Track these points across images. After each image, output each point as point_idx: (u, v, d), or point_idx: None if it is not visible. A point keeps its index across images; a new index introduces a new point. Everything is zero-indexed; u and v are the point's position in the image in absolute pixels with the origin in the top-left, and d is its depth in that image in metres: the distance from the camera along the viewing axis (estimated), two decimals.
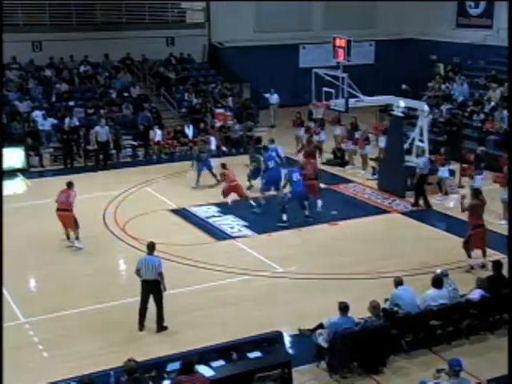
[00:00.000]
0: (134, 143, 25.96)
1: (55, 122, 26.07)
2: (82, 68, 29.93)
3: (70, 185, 16.98)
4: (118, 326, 12.78)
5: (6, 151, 24.25)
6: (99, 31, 30.00)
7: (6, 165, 23.35)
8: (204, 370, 9.89)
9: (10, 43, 28.64)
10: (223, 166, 20.30)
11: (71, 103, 27.50)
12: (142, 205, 19.79)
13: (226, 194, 19.67)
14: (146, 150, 25.62)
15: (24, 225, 18.23)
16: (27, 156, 24.35)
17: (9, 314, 12.97)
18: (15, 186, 22.51)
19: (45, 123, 25.95)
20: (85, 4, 30.52)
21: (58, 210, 16.73)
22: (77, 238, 16.69)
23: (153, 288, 12.48)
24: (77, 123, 25.88)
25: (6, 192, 22.45)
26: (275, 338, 11.24)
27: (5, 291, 13.86)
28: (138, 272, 12.55)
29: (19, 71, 28.95)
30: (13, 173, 23.29)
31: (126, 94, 28.91)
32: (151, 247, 12.72)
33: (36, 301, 13.95)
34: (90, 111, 27.33)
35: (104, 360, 11.05)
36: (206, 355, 10.51)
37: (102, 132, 24.25)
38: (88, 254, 16.36)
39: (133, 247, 16.68)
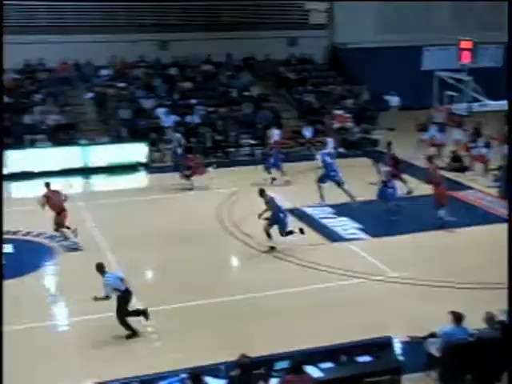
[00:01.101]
0: (252, 142, 26.31)
1: (177, 118, 26.84)
2: (204, 67, 30.63)
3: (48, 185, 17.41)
4: (228, 322, 12.97)
5: (131, 146, 25.30)
6: (223, 31, 30.58)
7: (130, 159, 24.29)
8: (312, 371, 9.88)
9: (138, 42, 29.86)
10: None
11: (193, 101, 28.20)
12: (257, 203, 19.98)
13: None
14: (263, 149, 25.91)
15: (144, 218, 18.88)
16: (150, 151, 25.23)
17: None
18: (138, 180, 23.32)
19: (167, 120, 26.75)
20: (211, 5, 31.20)
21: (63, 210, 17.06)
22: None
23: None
24: (197, 121, 26.53)
25: (129, 185, 23.55)
26: (385, 343, 11.07)
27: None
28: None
29: (146, 69, 29.99)
30: (135, 167, 24.21)
31: (246, 94, 29.32)
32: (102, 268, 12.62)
33: (154, 292, 14.36)
34: (211, 109, 27.92)
35: (213, 354, 11.25)
36: (315, 356, 10.49)
37: None
38: (203, 250, 16.71)
39: (246, 244, 16.90)
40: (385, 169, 19.84)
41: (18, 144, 24.82)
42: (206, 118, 27.29)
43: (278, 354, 10.62)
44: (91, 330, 12.56)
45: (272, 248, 16.46)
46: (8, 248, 16.60)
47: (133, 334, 12.32)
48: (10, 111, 26.28)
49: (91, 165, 24.67)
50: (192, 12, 30.98)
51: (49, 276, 15.54)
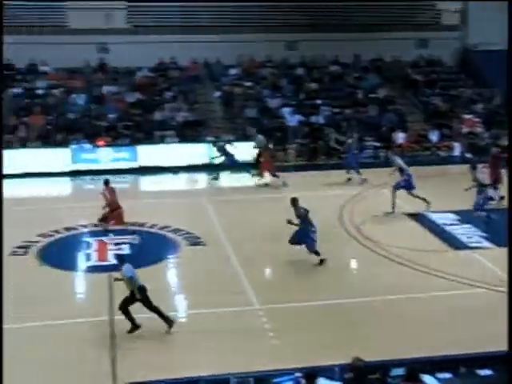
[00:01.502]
0: (377, 144, 26.02)
1: (302, 118, 26.96)
2: (332, 68, 30.58)
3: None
4: (345, 324, 12.89)
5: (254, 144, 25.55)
6: (351, 32, 30.41)
7: (254, 157, 24.57)
8: (429, 381, 9.66)
9: (264, 43, 30.18)
10: None
11: (318, 101, 28.23)
12: (379, 206, 19.77)
13: None
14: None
15: (264, 215, 19.10)
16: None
17: (245, 299, 13.72)
18: (255, 179, 23.56)
19: (292, 119, 26.93)
20: (340, 6, 31.12)
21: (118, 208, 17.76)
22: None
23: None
24: (322, 121, 26.54)
25: (252, 183, 23.90)
26: (508, 358, 10.64)
27: (243, 277, 14.70)
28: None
29: (273, 69, 30.31)
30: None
31: (372, 95, 29.03)
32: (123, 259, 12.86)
33: (271, 289, 14.51)
34: (336, 110, 27.85)
35: (328, 354, 11.23)
36: (433, 365, 10.26)
37: None
38: (322, 250, 16.67)
39: (366, 248, 16.75)
40: (483, 174, 18.98)
41: (149, 139, 25.76)
42: (331, 119, 27.26)
43: (395, 360, 10.47)
44: (209, 323, 12.82)
45: (322, 260, 15.58)
46: (133, 239, 17.31)
47: (135, 327, 12.30)
48: (142, 108, 27.39)
49: (216, 162, 25.23)
50: (321, 13, 31.00)
51: (171, 268, 16.02)
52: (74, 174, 24.19)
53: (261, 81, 29.55)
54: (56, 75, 28.98)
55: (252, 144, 24.21)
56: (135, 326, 12.29)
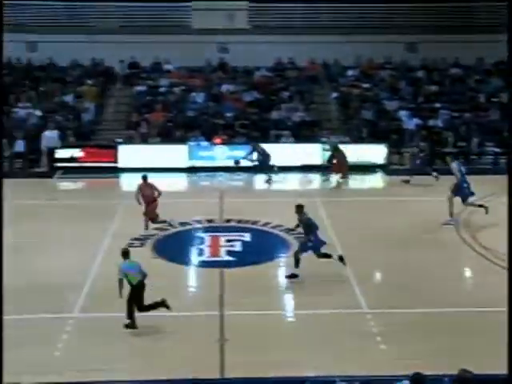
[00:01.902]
0: (497, 150, 25.14)
1: (420, 121, 26.45)
2: (452, 70, 29.82)
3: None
4: (454, 332, 12.55)
5: (370, 147, 25.39)
6: (475, 34, 29.52)
7: (368, 159, 24.42)
8: None
9: (384, 44, 29.77)
10: None
11: (438, 105, 27.60)
12: (497, 215, 19.09)
13: None
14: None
15: (375, 218, 18.91)
16: (390, 153, 25.16)
17: (353, 302, 13.65)
18: (374, 181, 23.40)
19: (410, 123, 26.47)
20: (464, 6, 30.32)
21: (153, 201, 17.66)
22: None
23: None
24: (440, 125, 25.92)
25: (365, 185, 23.72)
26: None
27: (353, 280, 14.62)
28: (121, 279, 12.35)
29: (391, 71, 29.90)
30: (372, 168, 24.31)
31: (495, 99, 28.07)
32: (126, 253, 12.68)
33: (381, 293, 14.34)
34: (455, 114, 27.14)
35: (435, 363, 11.00)
36: None
37: None
38: (434, 256, 16.34)
39: (481, 256, 16.25)
40: None
41: (264, 138, 26.04)
42: (450, 123, 26.59)
43: (501, 375, 10.09)
44: (317, 324, 12.85)
45: (294, 276, 14.82)
46: (245, 236, 17.58)
47: (132, 324, 12.32)
48: (259, 107, 27.73)
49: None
50: (442, 14, 30.27)
51: (282, 267, 16.14)
52: (190, 170, 24.84)
53: (379, 82, 29.23)
54: (178, 74, 29.83)
55: (325, 146, 24.28)
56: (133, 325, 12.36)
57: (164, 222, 17.95)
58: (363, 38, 29.45)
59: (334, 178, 23.62)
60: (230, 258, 16.26)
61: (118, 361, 11.40)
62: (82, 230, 17.84)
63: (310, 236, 14.80)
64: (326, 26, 30.50)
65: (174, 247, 17.21)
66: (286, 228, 17.99)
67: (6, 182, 21.39)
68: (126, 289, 12.34)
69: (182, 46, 29.10)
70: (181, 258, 16.27)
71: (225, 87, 28.93)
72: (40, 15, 30.63)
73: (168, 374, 10.80)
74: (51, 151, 24.71)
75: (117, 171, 24.49)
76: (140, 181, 18.18)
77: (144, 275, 12.43)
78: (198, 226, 18.64)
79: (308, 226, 14.83)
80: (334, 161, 23.71)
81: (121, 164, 24.81)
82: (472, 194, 18.60)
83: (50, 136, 24.84)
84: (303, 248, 14.87)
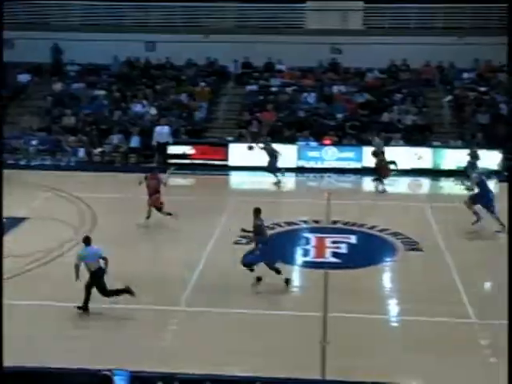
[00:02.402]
0: None
1: None
2: None
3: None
4: None
5: (484, 152, 24.53)
6: None
7: (481, 164, 23.61)
8: None
9: (504, 45, 28.68)
10: None
11: None
12: None
13: None
14: None
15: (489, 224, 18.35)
16: (505, 159, 24.30)
17: (461, 311, 13.30)
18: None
19: None
20: None
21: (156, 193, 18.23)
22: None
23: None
24: None
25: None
26: None
27: (460, 288, 14.24)
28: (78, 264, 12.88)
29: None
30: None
31: None
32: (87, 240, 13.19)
33: (489, 303, 13.85)
34: None
35: None
36: None
37: None
38: None
39: None
40: None
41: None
42: None
43: None
44: (422, 331, 12.60)
45: (259, 279, 14.38)
46: (351, 239, 17.47)
47: (85, 308, 12.93)
48: (370, 109, 27.47)
49: (442, 167, 24.63)
50: None
51: (387, 271, 15.94)
52: (298, 170, 24.91)
53: (496, 86, 28.29)
54: (290, 74, 29.99)
55: (372, 149, 23.50)
56: (85, 308, 12.95)
57: (170, 214, 18.33)
58: (481, 40, 28.57)
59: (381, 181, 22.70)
60: (335, 260, 16.20)
61: (223, 356, 11.59)
62: (191, 226, 18.25)
63: (258, 244, 14.30)
64: (442, 27, 29.81)
65: (279, 246, 17.29)
66: (392, 232, 17.77)
67: (121, 176, 22.42)
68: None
69: (295, 46, 29.23)
70: (286, 257, 16.35)
71: (336, 88, 28.84)
72: (159, 16, 31.57)
73: (271, 371, 10.87)
74: (162, 146, 25.43)
75: (227, 169, 24.90)
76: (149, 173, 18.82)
77: (105, 261, 12.93)
78: (304, 226, 18.67)
79: (258, 233, 14.34)
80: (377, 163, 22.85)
81: (231, 162, 25.21)
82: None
83: (160, 131, 25.61)
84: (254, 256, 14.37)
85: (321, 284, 14.63)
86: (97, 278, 12.90)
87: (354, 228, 18.34)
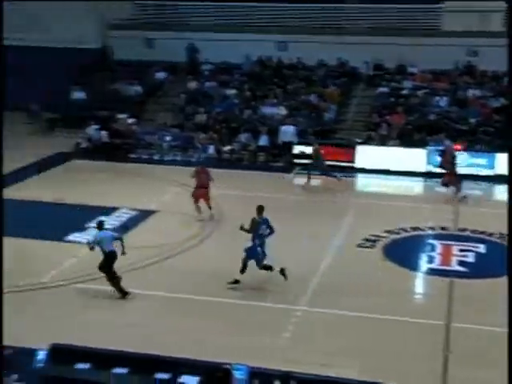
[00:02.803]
0: None
1: None
2: None
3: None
4: None
5: None
6: None
7: None
8: None
9: None
10: None
11: None
12: None
13: None
14: None
15: None
16: None
17: None
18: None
19: None
20: None
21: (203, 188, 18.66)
22: None
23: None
24: None
25: None
26: None
27: None
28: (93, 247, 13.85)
29: None
30: None
31: None
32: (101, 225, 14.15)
33: None
34: None
35: None
36: None
37: None
38: None
39: None
40: None
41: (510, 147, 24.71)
42: None
43: None
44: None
45: (236, 281, 14.20)
46: (480, 248, 16.91)
47: (124, 292, 13.74)
48: (506, 114, 26.42)
49: None
50: None
51: None
52: (427, 175, 24.34)
53: None
54: (422, 77, 29.38)
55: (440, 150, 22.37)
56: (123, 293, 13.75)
57: (210, 207, 18.70)
58: None
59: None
60: (462, 269, 15.73)
61: (340, 358, 11.57)
62: (314, 226, 18.30)
63: (255, 239, 14.34)
64: None
65: (404, 252, 17.02)
66: None
67: (249, 174, 22.77)
68: None
69: (429, 48, 28.63)
70: (410, 263, 16.06)
71: (471, 92, 27.96)
72: (292, 17, 31.86)
73: (386, 376, 10.72)
74: (288, 146, 25.63)
75: (353, 171, 24.74)
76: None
77: (121, 242, 13.99)
78: (431, 232, 18.25)
79: (254, 230, 14.39)
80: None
81: (358, 164, 25.02)
82: None
83: (285, 130, 25.83)
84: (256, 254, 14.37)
85: (445, 293, 14.26)
86: (110, 259, 13.74)
87: (483, 236, 17.74)
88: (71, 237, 17.30)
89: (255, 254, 14.29)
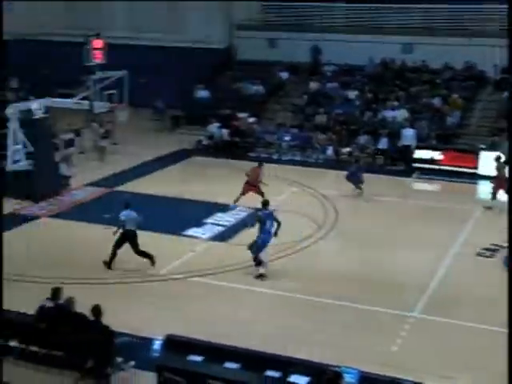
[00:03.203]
0: None
1: None
2: None
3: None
4: None
5: None
6: None
7: None
8: None
9: None
10: None
11: None
12: None
13: None
14: None
15: None
16: None
17: None
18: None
19: None
20: None
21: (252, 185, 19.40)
22: None
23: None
24: None
25: None
26: None
27: None
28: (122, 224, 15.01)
29: None
30: None
31: None
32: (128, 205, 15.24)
33: None
34: None
35: None
36: None
37: None
38: None
39: None
40: None
41: None
42: None
43: None
44: None
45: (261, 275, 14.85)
46: None
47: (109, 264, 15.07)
48: None
49: None
50: None
51: None
52: None
53: None
54: None
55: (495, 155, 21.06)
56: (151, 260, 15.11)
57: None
58: None
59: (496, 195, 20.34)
60: None
61: (445, 367, 11.30)
62: (432, 232, 17.91)
63: (259, 233, 15.04)
64: None
65: None
66: None
67: (367, 177, 22.54)
68: None
69: None
70: None
71: None
72: (419, 19, 31.27)
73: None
74: (407, 149, 25.15)
75: (476, 177, 23.94)
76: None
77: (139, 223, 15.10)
78: None
79: (260, 223, 15.15)
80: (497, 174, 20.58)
81: (481, 171, 24.18)
82: None
83: (405, 134, 25.35)
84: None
85: None
86: (131, 238, 14.93)
87: None
88: (190, 231, 17.79)
89: (264, 243, 14.94)
